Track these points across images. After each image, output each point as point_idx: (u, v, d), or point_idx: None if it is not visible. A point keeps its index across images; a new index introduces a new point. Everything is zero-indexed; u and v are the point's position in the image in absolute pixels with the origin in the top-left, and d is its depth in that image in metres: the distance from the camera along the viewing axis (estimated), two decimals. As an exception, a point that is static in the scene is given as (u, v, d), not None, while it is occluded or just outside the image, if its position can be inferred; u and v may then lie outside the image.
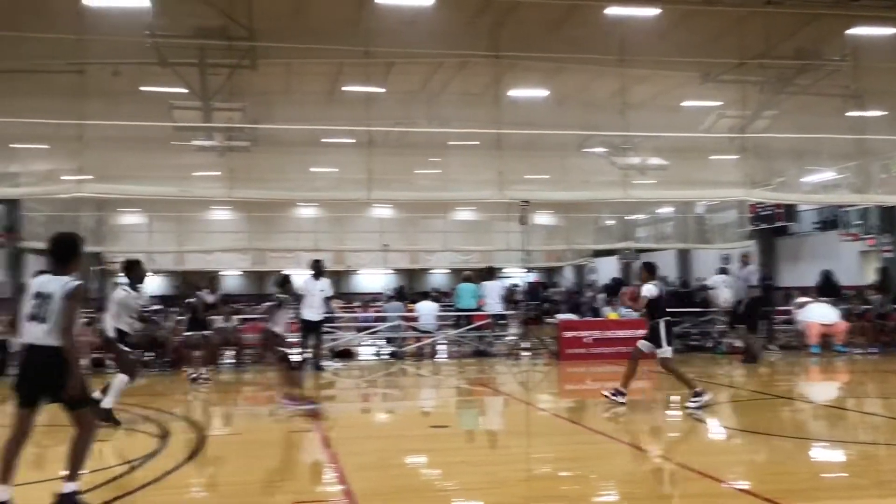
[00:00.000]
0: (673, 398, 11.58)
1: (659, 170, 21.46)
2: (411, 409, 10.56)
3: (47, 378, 5.72)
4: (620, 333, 16.49)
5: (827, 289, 20.49)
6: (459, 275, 18.87)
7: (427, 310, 19.24)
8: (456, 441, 8.93)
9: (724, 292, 18.80)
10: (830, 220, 32.26)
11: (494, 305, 18.58)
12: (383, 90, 19.60)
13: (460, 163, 21.41)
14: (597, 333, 16.88)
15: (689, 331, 18.89)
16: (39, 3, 15.24)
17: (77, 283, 5.85)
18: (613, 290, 21.43)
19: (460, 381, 15.26)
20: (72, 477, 5.73)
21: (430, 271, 43.28)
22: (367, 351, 19.28)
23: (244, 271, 41.21)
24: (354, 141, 20.64)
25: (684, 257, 35.42)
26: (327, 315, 15.95)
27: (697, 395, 10.00)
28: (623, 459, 7.84)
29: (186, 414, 10.50)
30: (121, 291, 9.64)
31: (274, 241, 36.97)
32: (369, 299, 35.39)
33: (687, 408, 9.93)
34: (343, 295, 36.15)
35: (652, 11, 16.44)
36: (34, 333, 5.74)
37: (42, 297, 5.78)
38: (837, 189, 22.68)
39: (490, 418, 10.98)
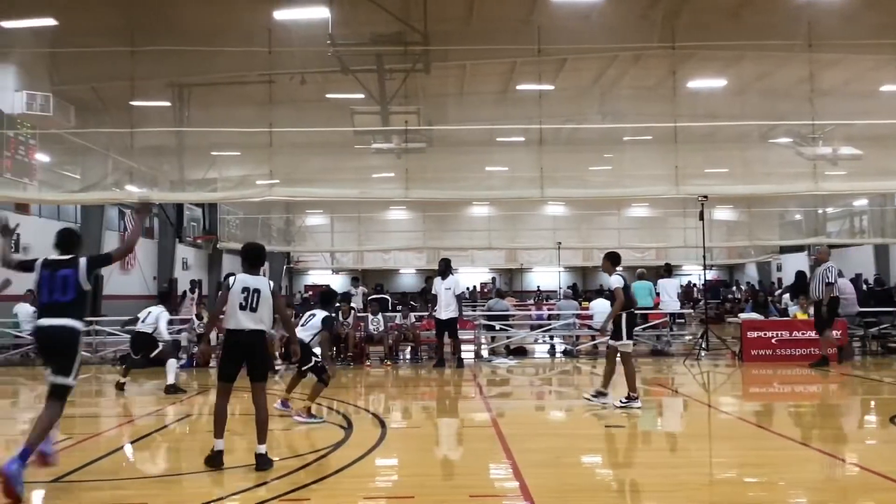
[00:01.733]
0: (872, 404, 10.83)
1: (852, 159, 20.06)
2: (586, 408, 10.47)
3: (250, 357, 7.05)
4: (810, 335, 15.59)
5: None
6: (633, 272, 18.46)
7: (601, 308, 18.97)
8: (632, 442, 8.78)
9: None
10: None
11: (671, 303, 18.04)
12: (556, 87, 19.57)
13: (634, 158, 21.00)
14: (784, 334, 16.03)
15: (890, 332, 17.56)
16: (234, 21, 16.40)
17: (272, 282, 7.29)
18: (800, 288, 20.26)
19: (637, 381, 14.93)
20: (262, 440, 7.02)
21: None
22: (540, 348, 19.29)
23: (419, 269, 42.38)
24: (526, 139, 20.73)
25: (882, 253, 32.90)
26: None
27: (630, 398, 10.06)
28: (814, 466, 7.42)
29: (368, 406, 10.95)
30: None
31: (448, 239, 37.77)
32: (542, 297, 35.42)
33: (616, 406, 10.06)
34: (516, 293, 36.38)
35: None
36: (242, 320, 6.96)
37: (249, 291, 7.03)
38: None
39: (668, 420, 10.71)
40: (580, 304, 20.26)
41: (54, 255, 6.57)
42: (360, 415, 10.10)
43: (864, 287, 21.43)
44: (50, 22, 15.87)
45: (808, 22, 15.98)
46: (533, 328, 19.97)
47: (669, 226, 34.58)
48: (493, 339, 18.89)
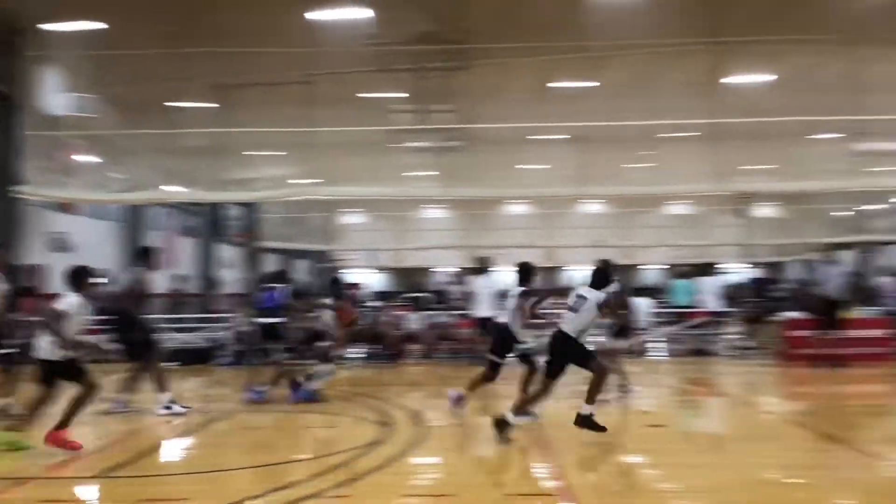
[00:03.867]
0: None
1: (896, 156, 19.67)
2: (627, 407, 10.39)
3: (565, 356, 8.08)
4: (854, 334, 15.28)
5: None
6: (674, 270, 18.27)
7: (641, 306, 18.82)
8: (674, 441, 8.69)
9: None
10: None
11: (711, 302, 17.83)
12: (596, 84, 19.41)
13: (674, 155, 20.75)
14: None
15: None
16: (273, 20, 16.51)
17: None
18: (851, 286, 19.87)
19: (678, 381, 14.80)
20: (590, 401, 8.00)
21: (644, 267, 42.32)
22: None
23: (459, 268, 42.33)
24: (564, 137, 20.60)
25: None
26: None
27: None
28: (860, 470, 7.28)
29: (408, 404, 10.98)
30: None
31: (486, 238, 37.70)
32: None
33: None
34: (553, 291, 36.17)
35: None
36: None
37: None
38: None
39: (710, 420, 10.58)
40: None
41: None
42: (399, 412, 10.13)
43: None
44: (99, 25, 16.15)
45: (854, 14, 15.65)
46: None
47: (711, 223, 34.18)
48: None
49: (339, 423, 9.25)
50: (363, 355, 17.14)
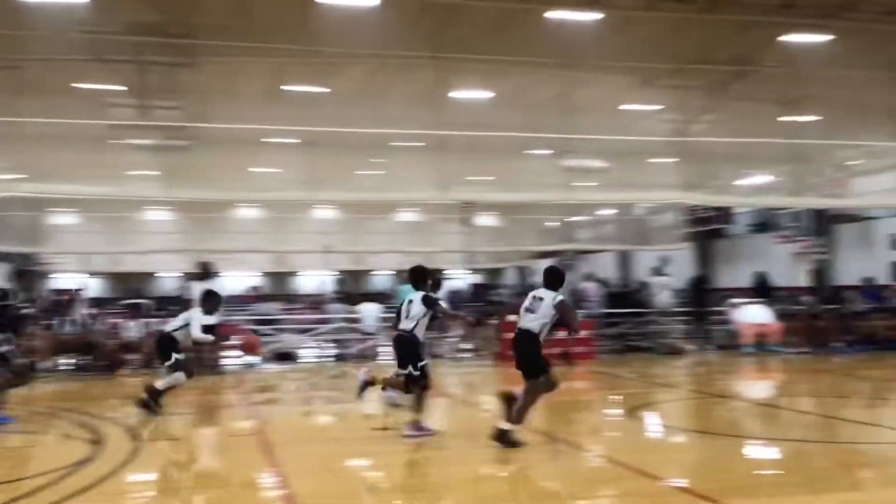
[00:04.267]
0: (612, 398, 11.73)
1: (600, 172, 21.74)
2: (354, 412, 10.47)
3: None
4: (563, 334, 16.61)
5: (761, 290, 21.03)
6: (401, 276, 18.79)
7: (369, 311, 19.17)
8: (399, 443, 8.88)
9: (662, 293, 19.22)
10: (765, 223, 33.16)
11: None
12: (327, 90, 19.46)
13: (404, 164, 21.38)
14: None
15: (629, 331, 19.21)
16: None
17: None
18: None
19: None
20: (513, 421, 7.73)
21: (374, 272, 43.15)
22: (309, 353, 19.10)
23: (183, 273, 40.46)
24: (296, 141, 20.45)
25: (624, 258, 35.94)
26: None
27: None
28: (563, 460, 7.90)
29: (122, 419, 10.25)
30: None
31: (214, 242, 36.36)
32: (312, 301, 35.11)
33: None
34: (284, 297, 35.75)
35: (593, 16, 16.65)
36: None
37: None
38: (772, 192, 23.28)
39: (433, 420, 10.96)
40: (349, 307, 20.29)
41: None
42: (112, 427, 9.41)
43: (609, 290, 23.27)
44: None
45: (563, 41, 17.07)
46: (301, 332, 19.71)
47: (437, 231, 35.58)
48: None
49: (42, 442, 8.41)
50: (72, 367, 15.83)
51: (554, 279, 8.41)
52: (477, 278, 37.38)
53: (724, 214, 32.89)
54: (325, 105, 19.19)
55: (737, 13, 17.74)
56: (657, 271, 20.28)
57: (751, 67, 19.22)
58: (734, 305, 19.18)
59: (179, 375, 10.23)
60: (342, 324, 19.18)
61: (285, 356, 18.13)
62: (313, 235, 35.58)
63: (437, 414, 11.41)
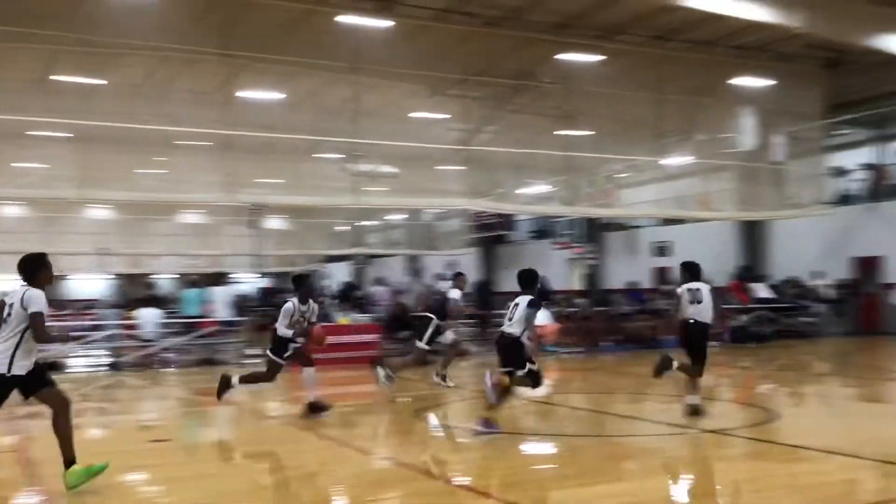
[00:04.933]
0: (398, 400, 11.90)
1: (390, 177, 22.01)
2: (129, 424, 9.89)
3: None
4: (353, 338, 16.68)
5: (540, 293, 22.17)
6: (184, 280, 18.05)
7: (149, 317, 18.21)
8: (178, 455, 8.50)
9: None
10: (544, 230, 35.07)
11: (221, 311, 17.98)
12: (103, 82, 18.26)
13: (188, 163, 20.49)
14: (329, 338, 16.83)
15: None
16: None
17: None
18: (345, 295, 21.67)
19: (185, 392, 14.59)
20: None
21: (154, 276, 41.04)
22: (81, 362, 17.82)
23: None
24: (67, 135, 19.01)
25: (413, 262, 36.62)
26: None
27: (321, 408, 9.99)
28: (350, 464, 7.91)
29: None
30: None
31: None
32: (84, 306, 32.85)
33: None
34: (54, 302, 33.14)
35: (384, 23, 16.85)
36: None
37: None
38: (550, 201, 24.64)
39: (217, 429, 10.59)
40: (125, 312, 19.17)
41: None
42: None
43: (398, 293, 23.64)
44: None
45: (353, 46, 17.14)
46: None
47: (223, 233, 34.45)
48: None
49: None
50: None
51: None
52: (265, 282, 36.58)
53: (506, 221, 34.45)
54: (101, 98, 17.98)
55: (517, 29, 18.65)
56: (443, 276, 20.83)
57: (530, 82, 20.28)
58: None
59: None
60: (117, 330, 18.08)
61: (52, 366, 16.79)
62: (87, 237, 33.26)
63: (222, 423, 11.04)
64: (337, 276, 37.41)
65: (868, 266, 24.44)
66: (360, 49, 17.26)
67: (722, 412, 10.26)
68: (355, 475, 7.35)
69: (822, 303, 23.03)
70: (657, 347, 19.65)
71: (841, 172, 26.03)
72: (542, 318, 19.00)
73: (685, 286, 9.55)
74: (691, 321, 9.41)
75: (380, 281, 24.11)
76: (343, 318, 18.54)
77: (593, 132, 21.74)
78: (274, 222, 33.99)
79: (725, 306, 19.01)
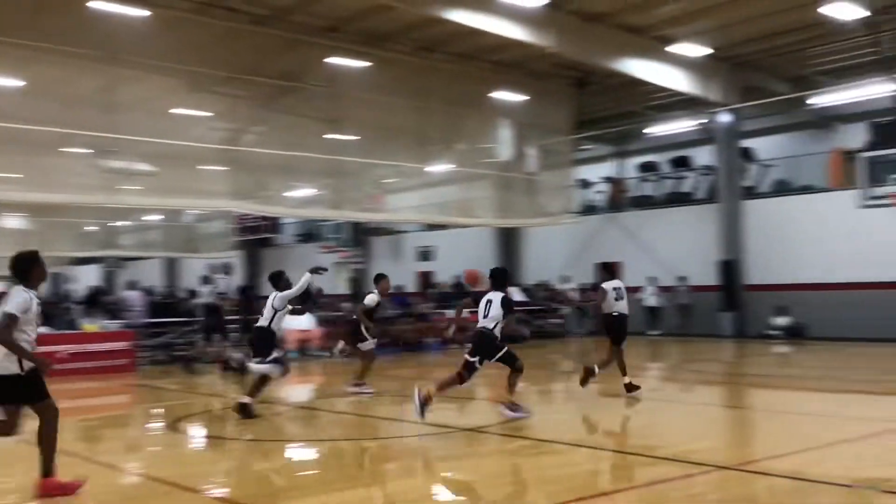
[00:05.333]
0: (153, 411, 11.29)
1: (147, 176, 20.82)
2: None
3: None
4: (100, 347, 15.60)
5: (302, 297, 21.96)
6: None
7: None
8: None
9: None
10: (311, 233, 34.87)
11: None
12: None
13: None
14: (74, 347, 15.65)
15: (175, 341, 18.66)
16: None
17: None
18: (93, 300, 20.19)
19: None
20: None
21: None
22: None
23: None
24: None
25: (171, 266, 34.97)
26: None
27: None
28: (96, 481, 7.35)
29: None
30: None
31: None
32: None
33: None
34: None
35: (140, 12, 15.92)
36: None
37: None
38: (316, 204, 24.52)
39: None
40: None
41: None
42: None
43: (153, 299, 22.42)
44: None
45: (107, 34, 16.04)
46: None
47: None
48: None
49: None
50: None
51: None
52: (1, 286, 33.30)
53: (273, 224, 33.87)
54: None
55: (286, 30, 18.40)
56: (207, 279, 20.05)
57: (298, 84, 20.07)
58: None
59: None
60: None
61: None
62: None
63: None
64: (86, 279, 34.87)
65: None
66: (114, 37, 16.19)
67: (478, 410, 10.71)
68: (103, 493, 6.84)
69: (568, 305, 24.77)
70: (422, 350, 20.25)
71: (586, 184, 28.22)
72: (307, 322, 18.93)
73: (609, 284, 11.46)
74: (615, 313, 11.28)
75: (132, 285, 22.73)
76: (90, 326, 17.24)
77: (360, 137, 21.93)
78: (12, 221, 31.05)
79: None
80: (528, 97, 22.82)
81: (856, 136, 22.08)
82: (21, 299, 6.07)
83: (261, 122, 20.76)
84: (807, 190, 23.07)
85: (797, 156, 23.70)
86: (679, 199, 25.72)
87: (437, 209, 24.71)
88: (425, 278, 29.85)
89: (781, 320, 21.47)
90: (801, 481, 6.45)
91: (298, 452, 8.76)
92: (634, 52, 20.44)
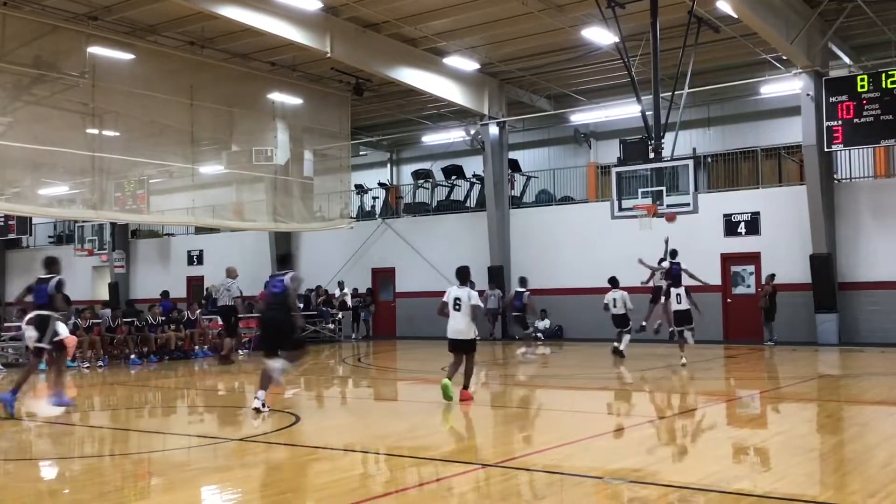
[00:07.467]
0: None
1: None
2: None
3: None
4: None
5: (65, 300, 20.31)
6: None
7: None
8: None
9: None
10: (66, 234, 32.38)
11: None
12: None
13: None
14: None
15: None
16: None
17: None
18: None
19: None
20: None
21: None
22: None
23: None
24: None
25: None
26: None
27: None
28: None
29: None
30: None
31: None
32: None
33: None
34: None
35: None
36: None
37: None
38: (73, 204, 22.83)
39: None
40: None
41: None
42: None
43: None
44: None
45: None
46: None
47: None
48: None
49: None
50: None
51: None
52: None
53: (21, 224, 31.13)
54: None
55: (41, 15, 17.02)
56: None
57: (53, 73, 18.58)
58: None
59: None
60: None
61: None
62: None
63: None
64: None
65: (384, 276, 27.04)
66: None
67: (248, 420, 10.41)
68: None
69: (344, 310, 24.81)
70: (189, 358, 19.41)
71: (362, 190, 28.46)
72: (63, 330, 17.50)
73: (610, 294, 16.62)
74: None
75: None
76: None
77: (124, 133, 20.69)
78: None
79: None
80: (305, 100, 22.65)
81: (609, 152, 24.01)
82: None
83: (8, 112, 18.96)
84: (567, 201, 24.73)
85: (558, 168, 25.36)
86: (452, 206, 26.60)
87: (209, 212, 23.84)
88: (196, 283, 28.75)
89: (541, 323, 22.78)
90: (558, 475, 6.86)
91: (48, 471, 8.06)
92: (410, 62, 20.93)
